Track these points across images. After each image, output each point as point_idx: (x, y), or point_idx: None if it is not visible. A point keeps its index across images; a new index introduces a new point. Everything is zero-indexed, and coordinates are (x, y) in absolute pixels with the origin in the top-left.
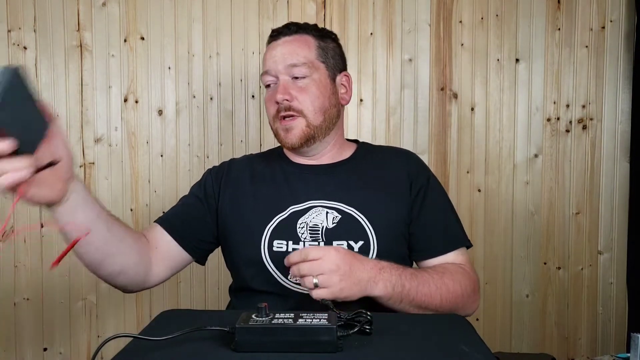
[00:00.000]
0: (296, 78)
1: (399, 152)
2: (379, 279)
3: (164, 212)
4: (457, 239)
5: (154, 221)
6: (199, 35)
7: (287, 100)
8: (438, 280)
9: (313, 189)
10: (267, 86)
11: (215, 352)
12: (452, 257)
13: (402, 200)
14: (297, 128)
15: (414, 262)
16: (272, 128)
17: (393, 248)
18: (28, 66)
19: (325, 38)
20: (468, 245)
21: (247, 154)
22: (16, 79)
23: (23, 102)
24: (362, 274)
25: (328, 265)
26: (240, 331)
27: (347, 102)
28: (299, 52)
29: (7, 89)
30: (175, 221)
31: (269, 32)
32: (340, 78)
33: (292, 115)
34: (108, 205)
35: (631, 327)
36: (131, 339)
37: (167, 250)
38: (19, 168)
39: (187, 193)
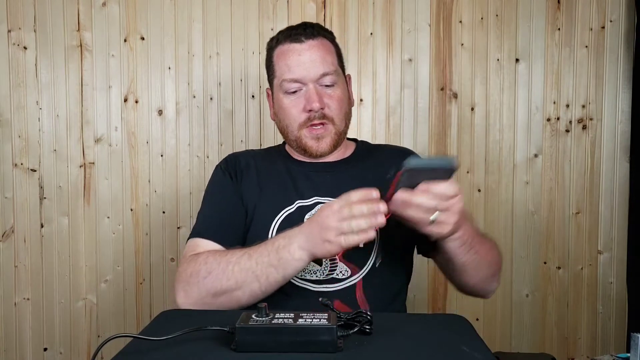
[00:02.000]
0: (326, 86)
1: (397, 150)
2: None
3: (197, 223)
4: (469, 214)
5: (195, 237)
6: (199, 35)
7: (322, 108)
8: (489, 241)
9: (318, 186)
10: (291, 92)
11: (215, 352)
12: None
13: None
14: (328, 137)
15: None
16: (290, 135)
17: (396, 242)
18: (28, 66)
19: (335, 41)
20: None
21: (247, 149)
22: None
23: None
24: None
25: (460, 205)
26: (240, 331)
27: (354, 104)
28: (327, 58)
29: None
30: (225, 229)
31: (269, 32)
32: (347, 80)
33: (322, 123)
34: (108, 205)
35: (631, 327)
36: (131, 339)
37: None
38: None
39: (209, 194)
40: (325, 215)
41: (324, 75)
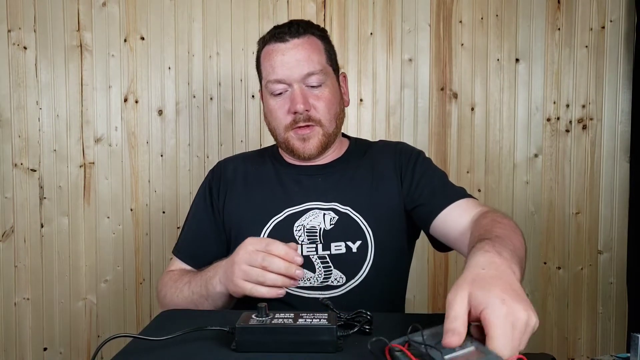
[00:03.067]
0: (312, 86)
1: (388, 145)
2: (506, 265)
3: (179, 237)
4: (464, 191)
5: (174, 253)
6: (199, 35)
7: (307, 110)
8: (500, 227)
9: (308, 191)
10: (277, 94)
11: (215, 352)
12: (465, 203)
13: (393, 191)
14: (315, 138)
15: (428, 230)
16: (278, 137)
17: (391, 243)
18: (28, 66)
19: (326, 38)
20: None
21: (240, 152)
22: None
23: None
24: (513, 283)
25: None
26: (240, 331)
27: (349, 104)
28: (313, 57)
29: None
30: (196, 251)
31: None
32: (340, 79)
33: (308, 125)
34: (108, 205)
35: (631, 327)
36: (131, 339)
37: None
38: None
39: (193, 207)
40: (237, 254)
41: (310, 75)
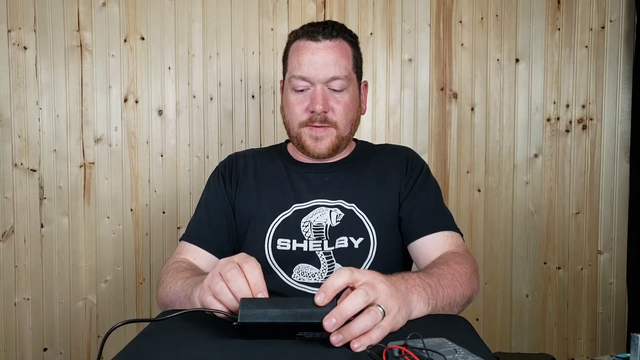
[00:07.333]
0: (334, 90)
1: (397, 149)
2: (410, 285)
3: (189, 224)
4: (449, 221)
5: (183, 239)
6: (199, 35)
7: (325, 112)
8: (446, 268)
9: (316, 188)
10: (298, 90)
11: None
12: (443, 238)
13: (395, 193)
14: (327, 139)
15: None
16: (291, 131)
17: (392, 243)
18: (28, 66)
19: (356, 44)
20: (459, 233)
21: (249, 148)
22: None
23: None
24: (399, 285)
25: (378, 284)
26: (245, 302)
27: (365, 112)
28: (341, 62)
29: None
30: (208, 236)
31: (269, 32)
32: (361, 87)
33: (323, 126)
34: (108, 205)
35: (631, 327)
36: (133, 337)
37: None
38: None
39: (204, 197)
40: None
41: (334, 79)
